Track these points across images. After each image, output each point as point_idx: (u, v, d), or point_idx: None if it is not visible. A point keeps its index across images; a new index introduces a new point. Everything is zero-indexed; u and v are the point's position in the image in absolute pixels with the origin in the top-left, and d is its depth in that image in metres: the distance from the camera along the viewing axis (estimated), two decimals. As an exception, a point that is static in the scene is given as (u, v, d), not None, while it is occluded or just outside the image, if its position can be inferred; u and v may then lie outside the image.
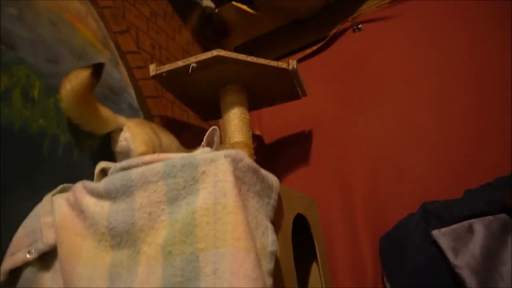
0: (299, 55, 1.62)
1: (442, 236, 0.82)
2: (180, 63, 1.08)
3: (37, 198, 0.79)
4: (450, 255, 0.78)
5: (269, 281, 0.60)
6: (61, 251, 0.70)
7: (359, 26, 1.53)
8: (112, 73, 1.11)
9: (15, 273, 0.70)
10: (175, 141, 1.08)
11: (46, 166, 0.85)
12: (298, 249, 0.89)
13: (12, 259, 0.71)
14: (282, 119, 1.60)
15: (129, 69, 1.19)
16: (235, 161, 0.64)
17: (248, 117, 1.17)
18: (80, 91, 0.83)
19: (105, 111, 0.90)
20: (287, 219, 0.84)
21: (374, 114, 1.40)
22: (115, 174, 0.72)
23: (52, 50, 0.94)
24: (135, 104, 1.17)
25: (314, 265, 1.10)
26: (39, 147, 0.84)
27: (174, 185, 0.64)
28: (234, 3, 1.79)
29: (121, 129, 0.94)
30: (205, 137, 1.02)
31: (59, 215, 0.73)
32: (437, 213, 0.89)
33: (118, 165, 0.75)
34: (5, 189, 0.75)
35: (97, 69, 0.86)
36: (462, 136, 1.22)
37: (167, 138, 1.04)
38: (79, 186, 0.77)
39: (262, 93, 1.26)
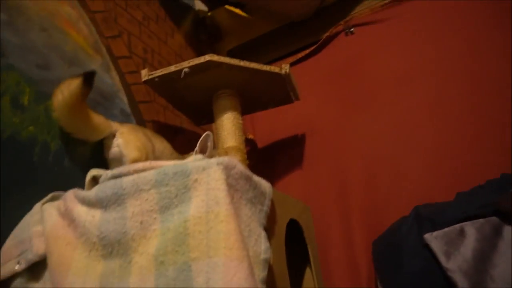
0: (292, 59, 1.63)
1: (434, 239, 0.82)
2: (172, 68, 1.07)
3: (27, 207, 0.78)
4: (442, 258, 0.78)
5: (262, 289, 0.60)
6: (51, 261, 0.69)
7: (352, 29, 1.54)
8: (103, 78, 1.10)
9: (4, 284, 0.69)
10: (168, 147, 1.08)
11: (36, 173, 0.84)
12: (291, 254, 0.89)
13: (1, 271, 0.70)
14: (276, 123, 1.60)
15: (121, 74, 1.18)
16: (227, 169, 0.63)
17: (241, 121, 1.16)
18: (72, 101, 0.82)
19: (98, 118, 0.89)
20: (280, 225, 0.84)
21: (368, 117, 1.41)
22: (106, 182, 0.71)
23: (43, 56, 0.93)
24: (127, 109, 1.16)
25: (307, 270, 1.09)
26: (29, 154, 0.83)
27: (166, 194, 0.63)
28: (227, 6, 1.79)
29: (114, 135, 0.93)
30: (199, 142, 1.02)
31: (49, 224, 0.72)
32: (430, 217, 0.89)
33: (109, 173, 0.74)
34: (-6, 198, 0.74)
35: (89, 78, 0.85)
36: (459, 138, 1.22)
37: (161, 144, 1.03)
38: (70, 194, 0.76)
39: (255, 97, 1.26)
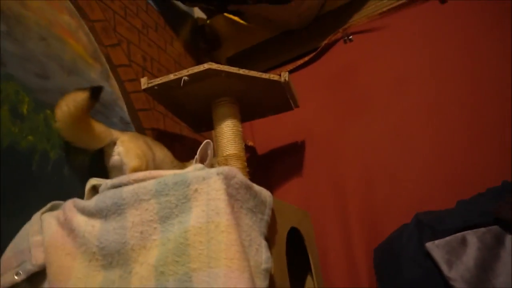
0: (291, 66, 1.63)
1: (436, 248, 0.82)
2: (171, 76, 1.07)
3: (27, 216, 0.77)
4: (444, 267, 0.78)
5: (263, 300, 0.59)
6: (50, 272, 0.68)
7: (350, 37, 1.55)
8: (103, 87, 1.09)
9: (3, 295, 0.68)
10: (169, 155, 1.08)
11: (36, 183, 0.83)
12: (292, 262, 0.89)
13: (0, 281, 0.69)
14: (275, 130, 1.60)
15: (120, 82, 1.18)
16: (227, 179, 0.63)
17: (240, 129, 1.16)
18: (78, 114, 0.82)
19: (99, 127, 0.89)
20: (281, 233, 0.83)
21: (367, 124, 1.41)
22: (106, 192, 0.71)
23: (42, 65, 0.93)
24: (127, 117, 1.16)
25: (308, 278, 1.09)
26: (28, 163, 0.83)
27: (166, 204, 0.63)
28: (226, 14, 1.80)
29: (114, 143, 0.93)
30: (199, 150, 1.02)
31: (48, 234, 0.72)
32: (431, 225, 0.89)
33: (109, 182, 0.74)
34: (-7, 208, 0.74)
35: (96, 92, 0.85)
36: (457, 143, 1.22)
37: (161, 152, 1.03)
38: (69, 204, 0.75)
39: (255, 105, 1.26)
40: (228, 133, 1.13)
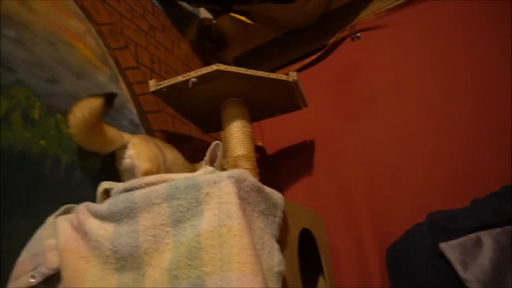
0: (298, 65, 1.62)
1: (449, 249, 0.81)
2: (180, 78, 1.08)
3: (40, 220, 0.78)
4: (458, 268, 0.77)
5: (276, 303, 0.59)
6: (65, 275, 0.69)
7: (358, 34, 1.53)
8: (112, 90, 1.10)
9: (20, 299, 0.69)
10: (179, 156, 1.08)
11: (48, 187, 0.84)
12: (304, 263, 0.88)
13: (16, 284, 0.70)
14: (283, 129, 1.59)
15: (129, 84, 1.19)
16: (238, 182, 0.63)
17: (250, 129, 1.16)
18: (92, 120, 0.83)
19: (111, 131, 0.90)
20: (293, 235, 0.83)
21: (376, 123, 1.40)
22: (118, 196, 0.72)
23: (51, 70, 0.94)
24: (136, 119, 1.17)
25: (320, 279, 1.08)
26: (40, 168, 0.83)
27: (178, 207, 0.63)
28: (231, 14, 1.79)
29: (125, 146, 0.93)
30: (208, 152, 1.02)
31: (62, 237, 0.73)
32: (444, 225, 0.88)
33: (120, 186, 0.74)
34: (7, 212, 0.74)
35: (110, 99, 0.86)
36: (464, 143, 1.21)
37: (172, 154, 1.04)
38: (82, 208, 0.76)
39: (263, 105, 1.26)
40: (237, 134, 1.13)
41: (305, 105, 1.29)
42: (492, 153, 1.15)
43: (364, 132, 1.42)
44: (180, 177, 0.68)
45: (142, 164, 0.89)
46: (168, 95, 1.15)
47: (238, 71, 1.06)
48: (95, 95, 0.85)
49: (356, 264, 1.24)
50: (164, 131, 1.29)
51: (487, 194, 1.00)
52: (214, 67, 1.03)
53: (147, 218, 0.65)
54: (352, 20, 1.56)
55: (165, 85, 1.09)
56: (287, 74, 1.13)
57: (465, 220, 0.86)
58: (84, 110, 0.82)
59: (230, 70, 1.04)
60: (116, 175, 0.95)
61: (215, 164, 1.03)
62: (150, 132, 1.21)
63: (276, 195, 0.75)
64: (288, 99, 1.24)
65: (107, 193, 0.81)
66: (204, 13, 1.89)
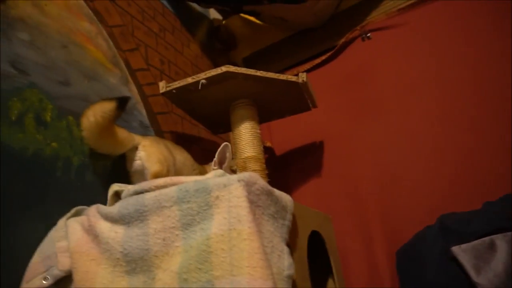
0: (308, 65, 1.62)
1: (462, 252, 0.79)
2: (189, 80, 1.08)
3: (51, 222, 0.79)
4: (471, 272, 0.76)
5: (286, 307, 0.59)
6: (76, 277, 0.70)
7: (368, 34, 1.52)
8: (122, 92, 1.11)
9: (32, 300, 0.70)
10: (189, 158, 1.08)
11: (60, 189, 0.85)
12: (313, 265, 0.88)
13: (28, 286, 0.71)
14: (292, 130, 1.59)
15: (139, 86, 1.20)
16: (248, 185, 0.63)
17: (259, 131, 1.16)
18: (105, 124, 0.84)
19: (122, 133, 0.91)
20: (302, 237, 0.83)
21: (386, 124, 1.38)
22: (128, 198, 0.72)
23: (64, 73, 0.95)
24: (146, 121, 1.18)
25: (330, 280, 1.08)
26: (52, 170, 0.84)
27: (188, 210, 0.63)
28: (241, 15, 1.79)
29: (136, 148, 0.94)
30: (217, 153, 1.02)
31: (73, 239, 0.73)
32: (456, 228, 0.86)
33: (131, 188, 0.75)
34: (19, 214, 0.75)
35: (122, 103, 0.86)
36: (476, 144, 1.20)
37: (181, 156, 1.04)
38: (93, 210, 0.77)
39: (272, 106, 1.26)
40: (246, 135, 1.13)
41: (315, 106, 1.28)
42: (504, 155, 1.13)
43: (374, 133, 1.40)
44: (190, 180, 0.68)
45: (152, 166, 0.90)
46: (177, 97, 1.15)
47: (248, 72, 1.05)
48: (108, 99, 0.86)
49: (366, 266, 1.23)
50: (173, 132, 1.30)
51: (499, 196, 0.99)
52: (223, 68, 1.03)
53: (157, 221, 0.65)
54: (362, 20, 1.55)
55: (175, 86, 1.10)
56: (296, 75, 1.13)
57: (478, 223, 0.84)
58: (97, 113, 0.82)
59: (239, 71, 1.04)
60: (126, 177, 0.96)
61: (224, 165, 1.03)
62: (159, 133, 1.22)
63: (285, 198, 0.75)
64: (297, 100, 1.23)
65: (117, 195, 0.81)
66: (213, 13, 1.90)
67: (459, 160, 1.21)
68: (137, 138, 0.94)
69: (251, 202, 0.62)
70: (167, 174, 0.91)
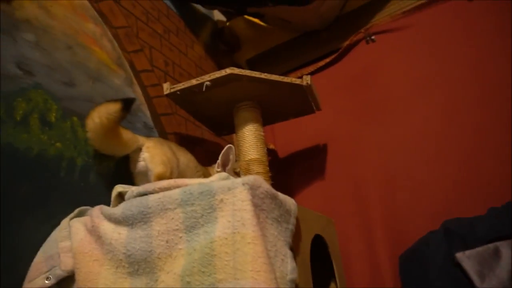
0: (312, 68, 1.61)
1: (466, 259, 0.79)
2: (193, 82, 1.08)
3: (55, 222, 0.79)
4: (475, 279, 0.75)
5: (289, 311, 0.59)
6: (78, 277, 0.70)
7: (373, 37, 1.52)
8: (127, 93, 1.11)
9: (35, 299, 0.70)
10: (192, 159, 1.08)
11: (63, 189, 0.85)
12: (315, 268, 0.87)
13: (31, 286, 0.71)
14: (296, 133, 1.59)
15: (143, 87, 1.20)
16: (253, 189, 0.63)
17: (262, 133, 1.16)
18: (110, 125, 0.84)
19: (126, 134, 0.91)
20: (305, 241, 0.82)
21: (390, 127, 1.38)
22: (132, 200, 0.72)
23: (68, 74, 0.95)
24: (150, 122, 1.18)
25: (332, 285, 1.07)
26: (56, 171, 0.85)
27: (192, 213, 0.63)
28: (245, 16, 1.79)
29: (140, 149, 0.94)
30: (221, 155, 1.02)
31: (76, 240, 0.73)
32: (460, 234, 0.86)
33: (134, 190, 0.75)
34: (23, 213, 0.76)
35: (128, 104, 0.87)
36: (482, 148, 1.19)
37: (185, 157, 1.04)
38: (97, 211, 0.77)
39: (276, 108, 1.26)
40: (250, 138, 1.13)
41: (319, 109, 1.28)
42: (510, 159, 1.12)
43: (377, 136, 1.40)
44: (194, 183, 0.68)
45: (156, 167, 0.90)
46: (181, 98, 1.15)
47: (252, 74, 1.05)
48: (113, 100, 0.86)
49: (368, 269, 1.23)
50: (177, 133, 1.30)
51: (503, 200, 0.98)
52: (228, 70, 1.03)
53: (160, 223, 0.65)
54: (367, 23, 1.55)
55: (179, 88, 1.10)
56: (300, 77, 1.13)
57: (483, 229, 0.84)
58: (102, 115, 0.83)
59: (244, 73, 1.04)
60: (129, 178, 0.96)
61: (228, 167, 1.03)
62: (163, 134, 1.22)
63: (289, 201, 0.74)
64: (301, 103, 1.23)
65: (121, 197, 0.82)
66: (217, 15, 1.90)
67: (464, 164, 1.20)
68: (141, 140, 0.94)
69: (255, 205, 0.62)
70: (171, 175, 0.91)
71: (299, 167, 1.55)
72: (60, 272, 0.71)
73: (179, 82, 1.11)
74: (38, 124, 0.83)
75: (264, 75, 1.07)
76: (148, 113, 1.18)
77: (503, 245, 0.77)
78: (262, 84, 1.10)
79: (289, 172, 1.55)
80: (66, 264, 0.72)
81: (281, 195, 0.72)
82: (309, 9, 1.49)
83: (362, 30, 1.54)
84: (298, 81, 1.11)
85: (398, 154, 1.34)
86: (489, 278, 0.75)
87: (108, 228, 0.72)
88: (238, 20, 1.86)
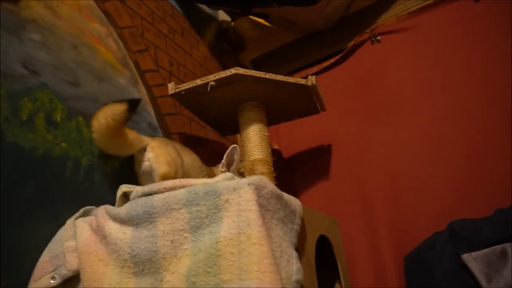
0: (317, 68, 1.61)
1: (473, 260, 0.78)
2: (198, 82, 1.08)
3: (60, 221, 0.79)
4: (482, 281, 0.75)
5: (294, 312, 0.59)
6: (84, 277, 0.70)
7: (378, 37, 1.51)
8: (132, 93, 1.12)
9: (40, 299, 0.70)
10: (197, 159, 1.08)
11: (68, 189, 0.85)
12: (320, 268, 0.87)
13: (37, 285, 0.71)
14: (300, 133, 1.58)
15: (148, 87, 1.20)
16: (258, 189, 0.63)
17: (267, 133, 1.16)
18: (116, 126, 0.85)
19: (131, 134, 0.91)
20: (310, 242, 0.82)
21: (395, 128, 1.37)
22: (137, 200, 0.72)
23: (74, 73, 0.95)
24: (154, 122, 1.18)
25: (337, 285, 1.07)
26: (61, 170, 0.85)
27: (197, 213, 0.63)
28: (250, 17, 1.79)
29: (144, 149, 0.94)
30: (225, 155, 1.02)
31: (81, 240, 0.74)
32: (466, 236, 0.85)
33: (139, 190, 0.75)
34: (28, 213, 0.76)
35: (133, 105, 0.87)
36: (488, 149, 1.18)
37: (189, 157, 1.04)
38: (102, 210, 0.77)
39: (281, 108, 1.25)
40: (254, 138, 1.12)
41: (323, 109, 1.28)
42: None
43: (382, 137, 1.39)
44: (199, 183, 0.68)
45: (161, 167, 0.90)
46: (186, 98, 1.15)
47: (257, 74, 1.05)
48: (119, 101, 0.86)
49: (373, 270, 1.22)
50: (181, 133, 1.30)
51: (509, 202, 0.97)
52: (233, 70, 1.03)
53: (165, 223, 0.65)
54: (372, 23, 1.54)
55: (184, 88, 1.10)
56: (305, 77, 1.12)
57: (489, 231, 0.83)
58: (108, 116, 0.83)
59: (248, 73, 1.04)
60: (134, 178, 0.96)
61: (232, 168, 1.03)
62: (168, 134, 1.22)
63: (294, 202, 0.74)
64: (306, 103, 1.23)
65: (126, 197, 0.82)
66: (222, 15, 1.90)
67: (469, 165, 1.19)
68: (145, 139, 0.94)
69: (261, 206, 0.62)
70: (175, 175, 0.91)
71: (303, 167, 1.54)
72: (65, 271, 0.71)
73: (184, 82, 1.11)
74: (43, 123, 0.84)
75: (269, 75, 1.07)
76: (152, 113, 1.18)
77: (510, 247, 0.76)
78: (267, 84, 1.10)
79: (293, 172, 1.55)
80: (71, 263, 0.72)
81: (286, 196, 0.72)
82: (314, 9, 1.48)
83: (368, 31, 1.54)
84: (303, 81, 1.11)
85: (402, 155, 1.33)
86: (495, 280, 0.74)
87: (113, 228, 0.72)
88: (243, 21, 1.86)
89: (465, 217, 1.01)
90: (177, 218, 0.64)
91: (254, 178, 0.63)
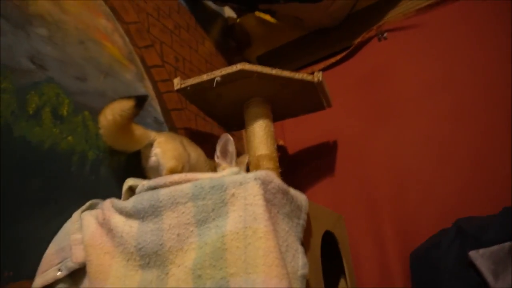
0: (323, 65, 1.60)
1: (480, 257, 0.77)
2: (204, 77, 1.08)
3: (66, 215, 0.80)
4: (490, 278, 0.74)
5: (300, 306, 0.59)
6: (90, 270, 0.70)
7: (385, 35, 1.50)
8: (138, 88, 1.12)
9: (46, 290, 0.70)
10: (202, 154, 1.08)
11: (74, 183, 0.86)
12: (325, 264, 0.87)
13: (43, 277, 0.72)
14: (306, 130, 1.58)
15: (153, 83, 1.20)
16: (265, 184, 0.62)
17: (272, 129, 1.15)
18: (123, 122, 0.85)
19: (138, 130, 0.91)
20: (316, 237, 0.82)
21: (401, 125, 1.36)
22: (143, 193, 0.72)
23: (80, 68, 0.96)
24: (160, 117, 1.18)
25: (342, 281, 1.07)
26: (68, 164, 0.85)
27: (203, 207, 0.63)
28: (256, 13, 1.78)
29: (151, 145, 0.94)
30: (217, 145, 1.00)
31: (88, 233, 0.74)
32: (473, 233, 0.85)
33: (145, 184, 0.75)
34: (34, 207, 0.76)
35: (141, 101, 0.87)
36: (493, 149, 1.17)
37: (195, 152, 1.04)
38: (108, 203, 0.77)
39: (287, 104, 1.25)
40: (260, 133, 1.12)
41: (329, 106, 1.27)
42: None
43: (388, 134, 1.38)
44: (205, 177, 0.68)
45: (168, 162, 0.90)
46: (192, 94, 1.15)
47: (263, 70, 1.05)
48: (126, 97, 0.86)
49: (378, 266, 1.22)
50: (187, 128, 1.30)
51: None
52: (238, 66, 1.03)
53: (171, 216, 0.65)
54: (379, 20, 1.53)
55: (189, 84, 1.10)
56: (312, 74, 1.12)
57: (497, 229, 0.82)
58: (115, 112, 0.83)
59: (254, 69, 1.04)
60: (140, 171, 0.97)
61: (228, 159, 1.01)
62: (173, 129, 1.22)
63: (300, 197, 0.74)
64: (312, 99, 1.22)
65: (132, 190, 0.82)
66: (228, 12, 1.89)
67: (474, 163, 1.18)
68: (152, 135, 0.94)
69: (267, 200, 0.62)
70: (182, 170, 0.91)
71: (308, 164, 1.54)
72: (71, 264, 0.72)
73: (189, 77, 1.11)
74: (50, 117, 0.84)
75: (274, 71, 1.06)
76: (158, 108, 1.18)
77: (518, 244, 0.76)
78: (273, 80, 1.10)
79: (298, 168, 1.55)
80: (77, 256, 0.72)
81: (292, 191, 0.72)
82: (320, 6, 1.47)
83: (374, 27, 1.52)
84: (309, 78, 1.11)
85: (407, 153, 1.32)
86: (503, 277, 0.73)
87: (119, 221, 0.72)
88: (249, 17, 1.85)
89: (470, 215, 1.01)
90: (183, 212, 0.65)
91: (261, 173, 0.63)
